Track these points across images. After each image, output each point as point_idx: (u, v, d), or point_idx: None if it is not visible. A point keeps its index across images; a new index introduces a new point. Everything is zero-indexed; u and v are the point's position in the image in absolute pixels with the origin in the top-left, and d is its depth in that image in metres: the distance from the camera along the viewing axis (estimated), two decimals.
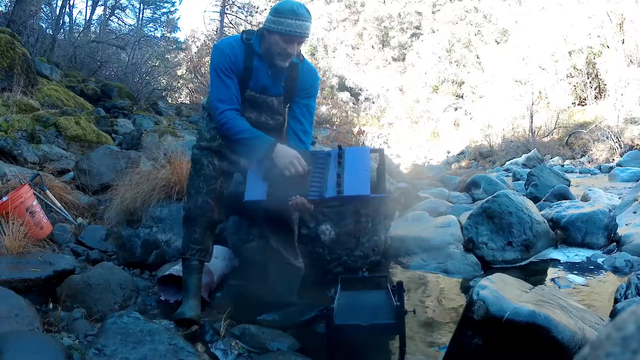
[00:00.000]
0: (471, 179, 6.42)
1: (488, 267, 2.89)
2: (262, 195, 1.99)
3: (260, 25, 2.18)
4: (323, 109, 21.15)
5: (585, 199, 4.93)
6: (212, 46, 16.79)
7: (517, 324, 1.44)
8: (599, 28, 20.30)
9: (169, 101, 15.78)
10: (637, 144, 15.10)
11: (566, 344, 1.40)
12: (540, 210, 3.51)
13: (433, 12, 35.25)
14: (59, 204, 3.17)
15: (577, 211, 3.42)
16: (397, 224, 3.55)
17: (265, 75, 2.12)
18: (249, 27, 17.39)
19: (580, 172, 12.51)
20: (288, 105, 2.26)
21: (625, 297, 2.03)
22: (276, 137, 2.27)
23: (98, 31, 17.47)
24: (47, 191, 3.16)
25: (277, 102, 2.19)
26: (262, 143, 2.02)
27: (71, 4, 16.42)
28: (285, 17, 1.96)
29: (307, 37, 2.06)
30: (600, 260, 2.92)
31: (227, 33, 17.43)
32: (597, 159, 15.85)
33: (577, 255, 3.09)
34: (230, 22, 18.34)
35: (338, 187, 1.90)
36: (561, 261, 2.99)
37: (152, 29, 25.53)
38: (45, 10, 13.65)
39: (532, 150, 16.10)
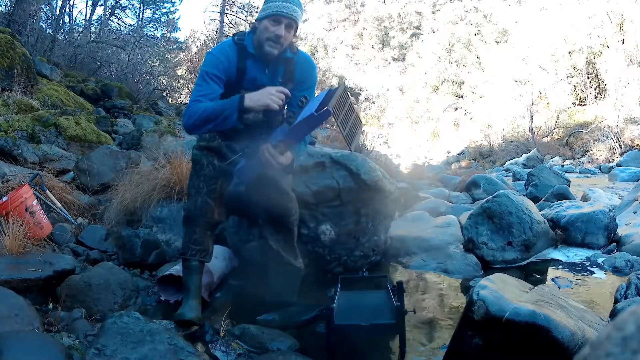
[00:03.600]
0: (471, 179, 6.42)
1: (488, 267, 2.89)
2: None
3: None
4: None
5: (585, 199, 4.93)
6: (212, 46, 16.79)
7: (517, 324, 1.44)
8: (599, 28, 20.31)
9: (169, 101, 15.78)
10: (637, 144, 15.10)
11: (566, 344, 1.40)
12: (540, 210, 3.51)
13: (433, 12, 35.27)
14: (59, 204, 3.17)
15: (577, 211, 3.43)
16: (397, 224, 3.55)
17: (262, 74, 2.12)
18: (248, 27, 17.41)
19: (580, 172, 12.51)
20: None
21: (625, 297, 2.03)
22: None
23: (98, 31, 17.48)
24: (47, 191, 3.16)
25: None
26: (231, 102, 1.93)
27: (71, 4, 16.43)
28: (273, 1, 2.01)
29: (295, 20, 2.05)
30: (600, 260, 2.92)
31: (227, 33, 17.43)
32: (597, 159, 15.86)
33: (577, 255, 3.09)
34: (230, 22, 18.35)
35: (290, 119, 1.94)
36: (561, 261, 2.99)
37: (152, 29, 25.50)
38: (45, 10, 13.66)
39: (532, 150, 16.11)
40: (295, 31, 2.11)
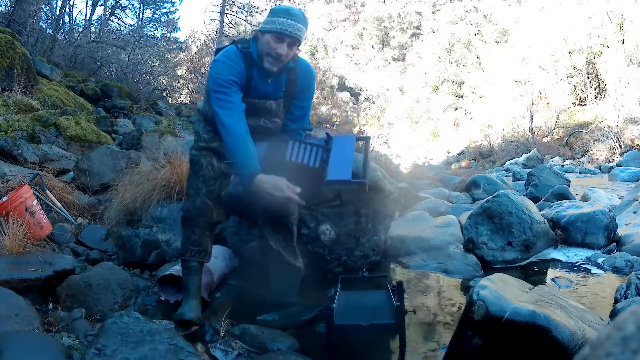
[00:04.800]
0: (471, 179, 6.42)
1: (488, 267, 2.89)
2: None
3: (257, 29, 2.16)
4: (323, 109, 21.16)
5: (585, 199, 4.93)
6: (212, 46, 16.77)
7: (517, 324, 1.44)
8: (599, 28, 20.31)
9: (169, 101, 15.79)
10: (637, 144, 15.10)
11: (566, 344, 1.40)
12: (540, 210, 3.51)
13: (433, 12, 35.27)
14: (59, 204, 3.17)
15: (577, 211, 3.43)
16: (397, 224, 3.55)
17: (265, 84, 2.09)
18: (249, 27, 17.38)
19: (580, 172, 12.51)
20: (285, 105, 2.25)
21: (625, 297, 2.03)
22: (274, 140, 2.26)
23: (98, 31, 17.48)
24: (47, 191, 3.16)
25: (275, 105, 2.16)
26: (246, 170, 1.91)
27: (71, 4, 16.43)
28: (278, 16, 1.96)
29: (299, 39, 2.01)
30: (600, 260, 2.92)
31: (227, 33, 17.42)
32: (597, 159, 15.86)
33: (577, 255, 3.09)
34: (230, 22, 18.33)
35: (322, 166, 1.93)
36: (561, 261, 2.99)
37: (152, 29, 25.52)
38: (45, 10, 13.67)
39: (532, 150, 16.11)
40: (298, 46, 2.08)
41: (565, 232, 3.33)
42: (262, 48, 2.00)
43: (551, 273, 2.79)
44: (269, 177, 1.87)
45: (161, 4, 26.15)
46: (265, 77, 2.07)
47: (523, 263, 2.96)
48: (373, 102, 35.55)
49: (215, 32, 18.14)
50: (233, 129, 1.93)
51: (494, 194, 3.21)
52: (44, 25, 13.30)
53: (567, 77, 22.27)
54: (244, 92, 2.06)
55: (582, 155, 17.12)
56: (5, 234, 2.32)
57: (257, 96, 2.10)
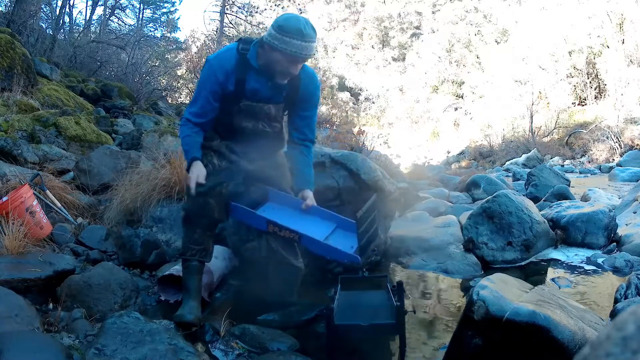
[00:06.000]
0: (471, 179, 6.42)
1: (488, 267, 2.89)
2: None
3: (261, 27, 2.17)
4: (323, 109, 21.11)
5: (585, 199, 4.93)
6: (212, 46, 16.73)
7: (517, 324, 1.44)
8: (599, 28, 20.29)
9: (169, 101, 15.77)
10: (637, 144, 15.09)
11: (566, 344, 1.40)
12: (540, 210, 3.51)
13: (433, 12, 35.24)
14: (59, 204, 3.17)
15: (577, 211, 3.43)
16: (397, 224, 3.55)
17: (265, 87, 2.06)
18: (249, 27, 17.38)
19: (580, 172, 12.51)
20: (287, 112, 2.24)
21: (625, 297, 2.04)
22: (273, 145, 2.26)
23: (98, 31, 17.47)
24: (47, 191, 3.16)
25: (274, 109, 2.14)
26: (187, 156, 2.09)
27: (71, 4, 16.43)
28: (291, 36, 1.87)
29: (312, 57, 2.01)
30: (600, 260, 2.92)
31: (227, 33, 17.42)
32: (597, 159, 15.84)
33: (577, 255, 3.09)
34: (230, 22, 18.34)
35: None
36: (561, 261, 2.99)
37: (152, 29, 25.52)
38: (45, 10, 13.67)
39: (532, 150, 16.11)
40: None
41: (565, 232, 3.33)
42: (273, 65, 1.97)
43: (551, 273, 2.79)
44: (199, 166, 2.03)
45: (161, 4, 26.15)
46: (266, 80, 2.05)
47: (523, 263, 2.96)
48: (373, 102, 35.52)
49: (215, 32, 18.15)
50: (181, 131, 2.13)
51: (494, 194, 3.21)
52: (44, 25, 13.30)
53: (567, 77, 22.25)
54: (237, 93, 2.06)
55: (582, 155, 17.10)
56: (5, 234, 2.32)
57: (255, 99, 2.09)
